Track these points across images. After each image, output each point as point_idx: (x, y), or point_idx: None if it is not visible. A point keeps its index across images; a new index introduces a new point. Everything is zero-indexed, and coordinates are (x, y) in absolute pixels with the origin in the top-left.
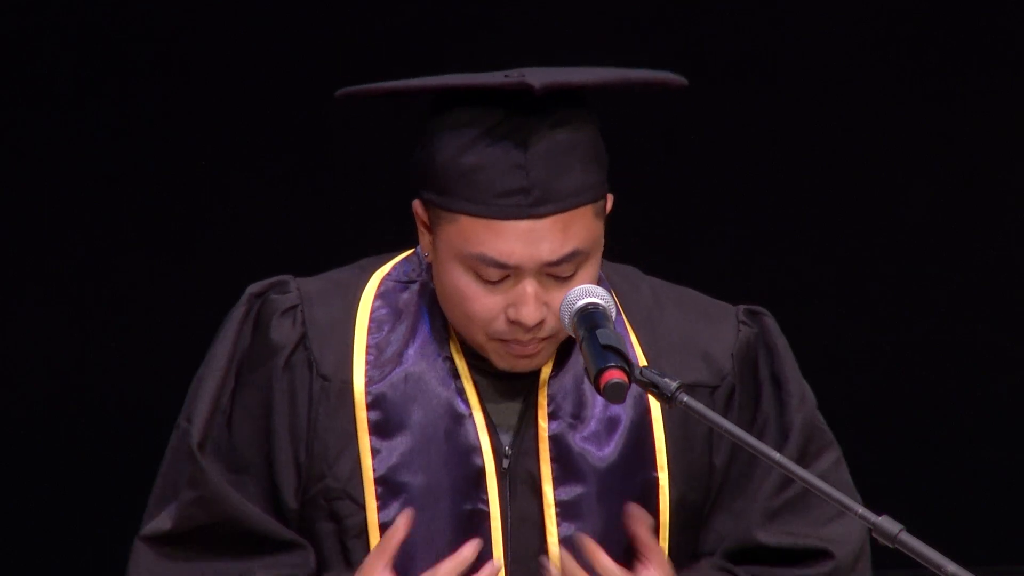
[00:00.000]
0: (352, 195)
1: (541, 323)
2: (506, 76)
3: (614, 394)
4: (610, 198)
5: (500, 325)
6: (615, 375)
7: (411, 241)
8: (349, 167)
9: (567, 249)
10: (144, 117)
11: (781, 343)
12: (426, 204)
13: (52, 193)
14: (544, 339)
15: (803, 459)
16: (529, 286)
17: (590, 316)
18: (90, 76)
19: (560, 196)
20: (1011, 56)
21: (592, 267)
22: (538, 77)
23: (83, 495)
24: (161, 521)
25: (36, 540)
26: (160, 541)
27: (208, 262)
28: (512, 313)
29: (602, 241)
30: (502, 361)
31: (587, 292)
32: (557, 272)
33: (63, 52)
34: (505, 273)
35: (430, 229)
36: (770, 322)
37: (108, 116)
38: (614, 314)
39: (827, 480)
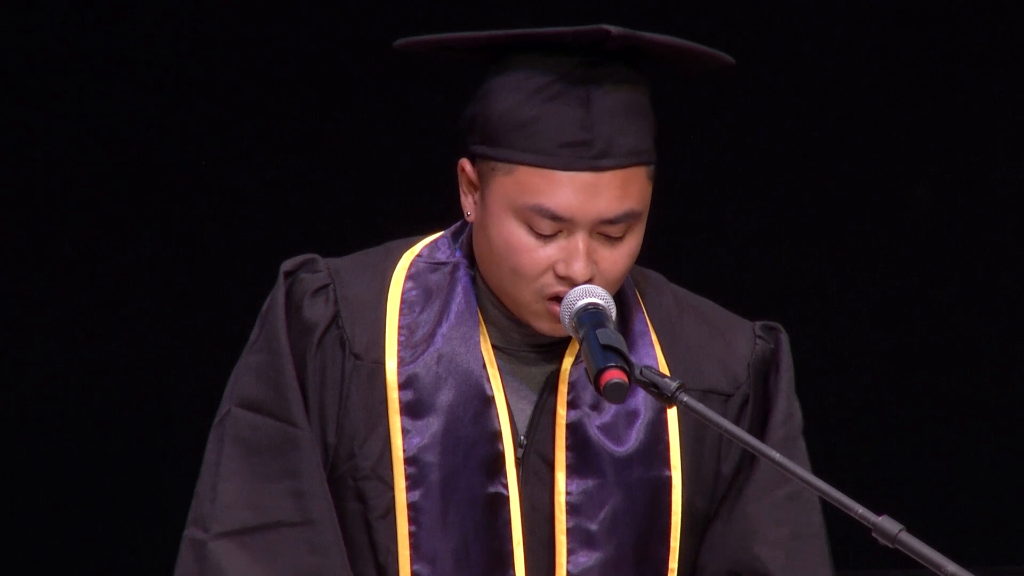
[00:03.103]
0: (355, 194)
1: (590, 280)
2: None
3: (614, 394)
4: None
5: (548, 280)
6: (615, 375)
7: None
8: (351, 167)
9: (625, 208)
10: (144, 117)
11: (786, 361)
12: (477, 160)
13: (53, 193)
14: None
15: (775, 475)
16: (582, 241)
17: (590, 316)
18: (90, 76)
19: (621, 152)
20: (1011, 56)
21: (640, 234)
22: (612, 28)
23: (83, 495)
24: (237, 516)
25: (36, 540)
26: (242, 536)
27: (208, 262)
28: (562, 268)
29: (648, 211)
30: (543, 322)
31: (587, 292)
32: (610, 232)
33: (63, 52)
34: (559, 227)
35: (477, 188)
36: (783, 338)
37: (108, 116)
38: (614, 314)
39: (794, 503)
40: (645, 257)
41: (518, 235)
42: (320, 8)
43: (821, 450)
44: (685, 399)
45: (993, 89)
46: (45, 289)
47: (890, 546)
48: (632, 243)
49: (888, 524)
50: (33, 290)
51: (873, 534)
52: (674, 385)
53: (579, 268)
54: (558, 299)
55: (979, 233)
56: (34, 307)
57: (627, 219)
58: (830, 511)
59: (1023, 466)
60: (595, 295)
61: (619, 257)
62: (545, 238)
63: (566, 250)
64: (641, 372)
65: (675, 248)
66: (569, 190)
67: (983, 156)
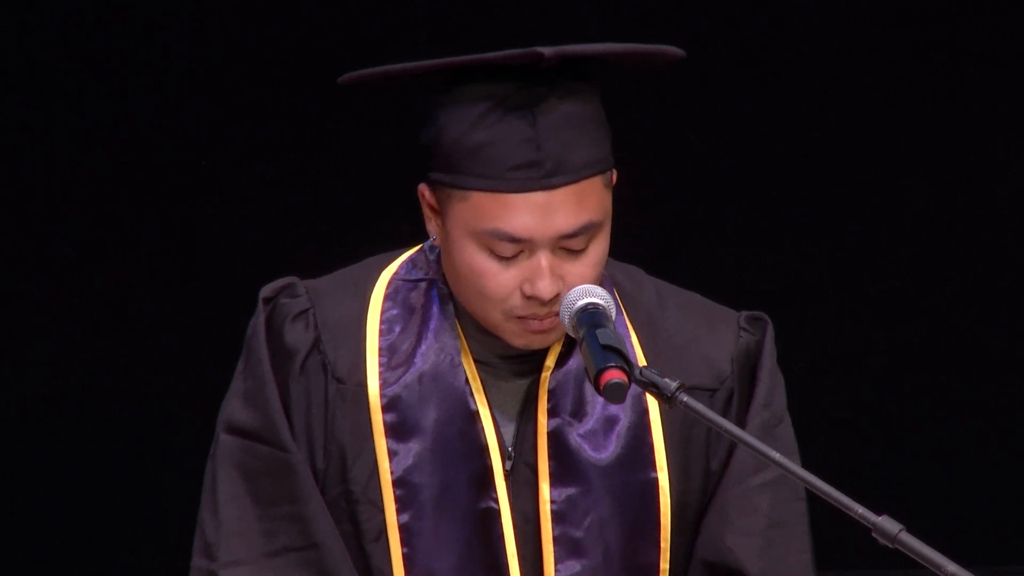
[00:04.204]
0: (355, 194)
1: (557, 296)
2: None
3: (614, 394)
4: (614, 172)
5: (516, 301)
6: (615, 375)
7: (416, 239)
8: (352, 166)
9: (582, 221)
10: (144, 117)
11: (768, 348)
12: (434, 186)
13: (53, 193)
14: (559, 314)
15: (751, 463)
16: (544, 259)
17: (590, 316)
18: (90, 76)
19: (572, 167)
20: (1011, 56)
21: (604, 241)
22: (546, 49)
23: (83, 495)
24: (244, 543)
25: (36, 540)
26: (252, 564)
27: (208, 262)
28: (528, 288)
29: (611, 215)
30: (518, 339)
31: (587, 292)
32: (571, 245)
33: (63, 52)
34: (519, 248)
35: (438, 212)
36: (769, 329)
37: (108, 116)
38: (614, 314)
39: (770, 490)
40: (645, 256)
41: (480, 260)
42: (320, 9)
43: (821, 450)
44: (685, 399)
45: (993, 89)
46: (45, 289)
47: (890, 546)
48: (596, 252)
49: (888, 524)
50: (33, 290)
51: (873, 534)
52: (674, 385)
53: (544, 286)
54: (533, 316)
55: (979, 233)
56: (34, 307)
57: (586, 231)
58: (830, 511)
59: (1023, 466)
60: (595, 295)
61: (585, 268)
62: (507, 260)
63: (529, 269)
64: (641, 372)
65: (675, 248)
66: (524, 211)
67: (983, 156)
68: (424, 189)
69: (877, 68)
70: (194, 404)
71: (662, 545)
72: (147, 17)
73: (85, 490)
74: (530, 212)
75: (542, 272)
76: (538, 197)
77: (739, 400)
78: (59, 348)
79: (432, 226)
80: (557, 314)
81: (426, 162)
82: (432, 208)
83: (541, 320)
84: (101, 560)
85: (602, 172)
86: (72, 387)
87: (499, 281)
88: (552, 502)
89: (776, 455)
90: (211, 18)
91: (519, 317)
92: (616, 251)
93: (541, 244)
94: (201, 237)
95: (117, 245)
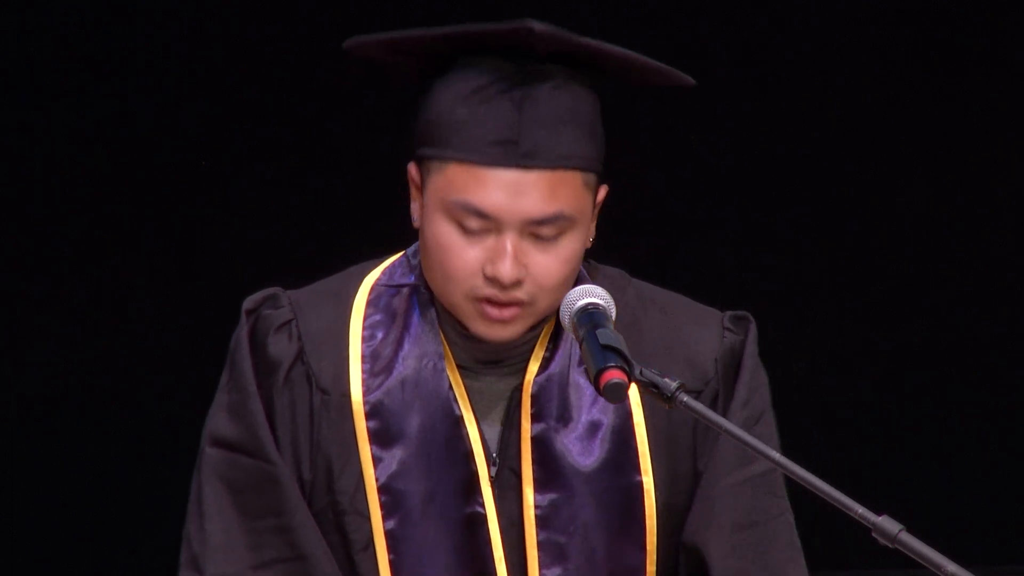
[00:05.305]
0: (355, 195)
1: (519, 283)
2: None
3: (614, 394)
4: (604, 188)
5: (478, 281)
6: (615, 375)
7: (405, 244)
8: (352, 167)
9: (552, 209)
10: (144, 117)
11: (751, 348)
12: (420, 162)
13: (53, 193)
14: (520, 305)
15: (740, 459)
16: (509, 242)
17: (590, 316)
18: (90, 76)
19: (549, 154)
20: (1011, 56)
21: (577, 239)
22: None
23: (83, 495)
24: (231, 556)
25: (36, 540)
26: None
27: (208, 262)
28: (490, 269)
29: (590, 218)
30: (477, 325)
31: (587, 292)
32: (540, 232)
33: (63, 52)
34: (487, 225)
35: (421, 190)
36: (752, 328)
37: (108, 116)
38: (614, 314)
39: (748, 487)
40: (643, 256)
41: (448, 233)
42: (320, 9)
43: (821, 450)
44: (685, 399)
45: (993, 89)
46: (45, 289)
47: (890, 546)
48: (567, 248)
49: (888, 524)
50: (33, 290)
51: (873, 534)
52: (674, 385)
53: (505, 268)
54: (489, 302)
55: (979, 233)
56: (34, 307)
57: (556, 221)
58: (830, 511)
59: (1023, 466)
60: (595, 295)
61: (552, 261)
62: (474, 238)
63: (494, 250)
64: (641, 372)
65: (674, 248)
66: (495, 187)
67: (983, 156)
68: (412, 168)
69: (877, 68)
70: (194, 404)
71: (648, 548)
72: (147, 17)
73: (85, 490)
74: (501, 189)
75: (505, 254)
76: (511, 175)
77: (724, 400)
78: (59, 348)
79: (415, 207)
80: (517, 304)
81: (416, 138)
82: (416, 186)
83: (500, 308)
84: (101, 560)
85: (582, 169)
86: (72, 387)
87: (463, 258)
88: (536, 507)
89: (777, 455)
90: (211, 18)
91: (478, 299)
92: (615, 251)
93: (508, 225)
94: (201, 237)
95: (117, 245)
